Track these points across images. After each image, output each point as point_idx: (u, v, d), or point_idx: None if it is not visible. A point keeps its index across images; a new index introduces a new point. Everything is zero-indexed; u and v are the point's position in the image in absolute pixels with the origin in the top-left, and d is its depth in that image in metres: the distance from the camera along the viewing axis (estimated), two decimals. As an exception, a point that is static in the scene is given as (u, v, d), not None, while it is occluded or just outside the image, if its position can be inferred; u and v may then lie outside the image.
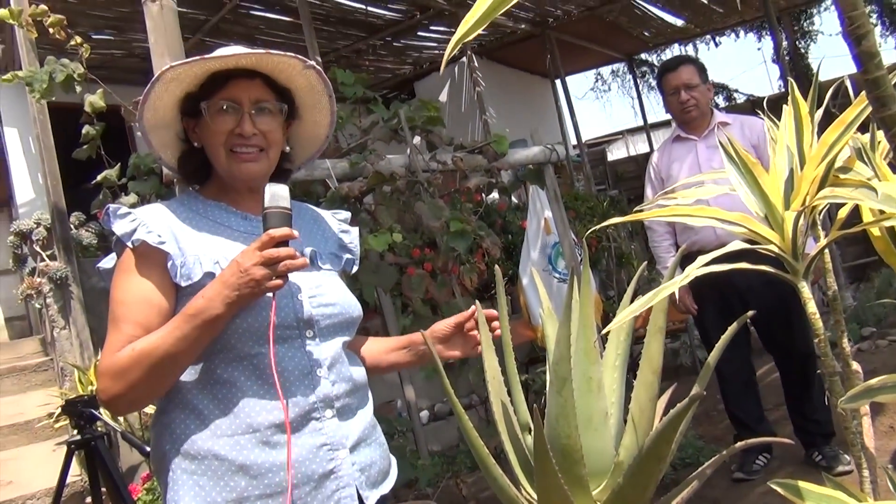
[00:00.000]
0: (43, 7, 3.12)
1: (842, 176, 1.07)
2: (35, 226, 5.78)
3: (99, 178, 3.66)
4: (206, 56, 1.37)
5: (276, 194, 1.29)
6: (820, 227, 1.22)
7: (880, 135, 1.23)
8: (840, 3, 0.48)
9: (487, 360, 1.55)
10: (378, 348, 1.63)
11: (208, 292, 1.24)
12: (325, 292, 1.43)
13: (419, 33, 8.61)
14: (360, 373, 1.48)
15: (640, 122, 11.69)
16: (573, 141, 9.83)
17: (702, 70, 3.53)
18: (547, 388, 1.34)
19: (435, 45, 9.15)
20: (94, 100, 3.33)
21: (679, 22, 9.83)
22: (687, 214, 1.14)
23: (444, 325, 1.57)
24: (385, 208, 2.85)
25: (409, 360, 1.62)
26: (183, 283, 1.31)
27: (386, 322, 4.62)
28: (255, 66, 1.41)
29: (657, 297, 1.12)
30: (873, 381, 0.81)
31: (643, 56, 11.56)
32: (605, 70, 12.20)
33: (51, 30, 3.01)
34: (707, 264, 1.09)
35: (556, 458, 1.33)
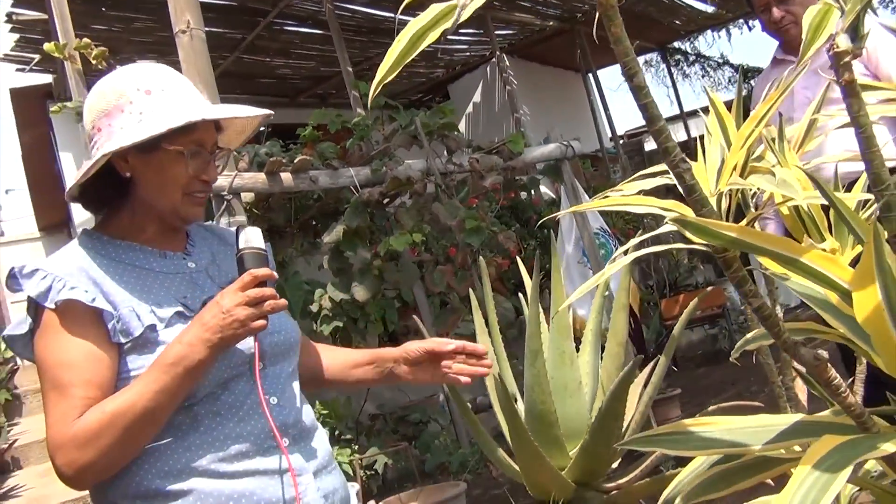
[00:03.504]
0: (86, 40, 3.41)
1: (755, 164, 1.23)
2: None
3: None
4: (239, 114, 1.33)
5: (251, 236, 1.27)
6: (753, 209, 1.37)
7: (790, 130, 1.40)
8: (617, 53, 0.66)
9: (481, 342, 1.74)
10: (342, 361, 1.54)
11: (186, 337, 1.16)
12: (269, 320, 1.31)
13: (449, 37, 8.80)
14: (304, 398, 1.42)
15: (676, 111, 11.69)
16: (608, 133, 9.91)
17: None
18: (525, 362, 1.53)
19: (465, 47, 9.33)
20: (138, 124, 3.58)
21: (709, 8, 9.82)
22: (625, 204, 1.31)
23: (416, 349, 1.47)
24: (406, 211, 3.06)
25: (377, 378, 1.52)
26: (123, 341, 1.20)
27: (422, 318, 4.84)
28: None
29: (606, 274, 1.29)
30: (751, 334, 0.99)
31: (676, 44, 11.55)
32: (639, 60, 12.19)
33: (93, 61, 3.29)
34: (641, 245, 1.26)
35: (534, 422, 1.51)
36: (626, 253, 1.32)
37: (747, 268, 1.16)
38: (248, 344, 1.25)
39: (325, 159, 3.16)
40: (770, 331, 0.71)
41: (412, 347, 1.47)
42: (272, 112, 1.42)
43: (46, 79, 6.72)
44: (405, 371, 1.49)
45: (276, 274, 1.25)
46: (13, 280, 1.23)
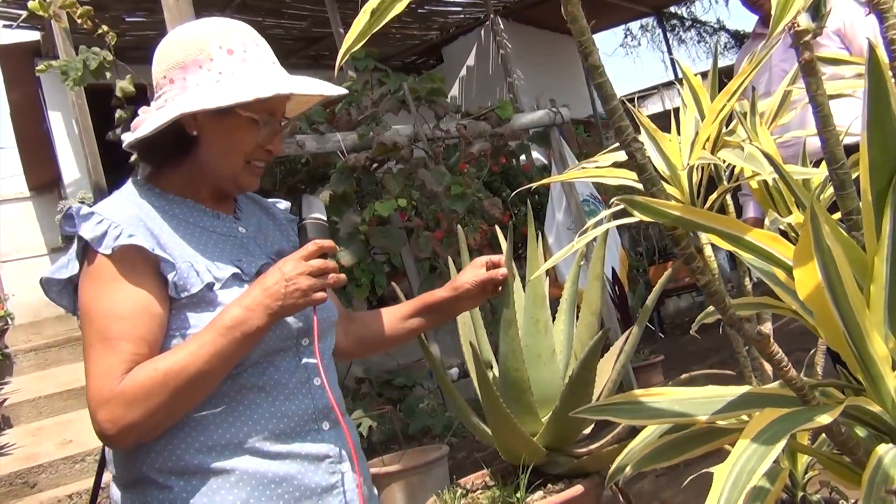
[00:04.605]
0: None
1: (727, 138, 1.25)
2: (80, 205, 6.10)
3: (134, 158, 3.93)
4: (325, 92, 1.27)
5: (314, 205, 1.26)
6: (726, 182, 1.39)
7: (763, 104, 1.41)
8: (573, 32, 0.67)
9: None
10: (392, 318, 1.51)
11: (246, 301, 1.12)
12: None
13: (444, -1, 8.71)
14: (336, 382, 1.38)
15: (672, 77, 11.63)
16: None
17: None
18: (501, 330, 1.55)
19: (459, 9, 9.24)
20: (125, 85, 3.56)
21: (706, -27, 9.72)
22: (599, 175, 1.33)
23: (471, 283, 1.47)
24: (392, 176, 3.06)
25: (431, 324, 1.52)
26: (181, 296, 1.16)
27: (410, 283, 4.87)
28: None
29: (581, 243, 1.31)
30: (733, 301, 1.01)
31: (672, 9, 11.45)
32: (635, 25, 12.10)
33: (79, 20, 3.26)
34: (616, 216, 1.27)
35: (507, 389, 1.54)
36: (599, 224, 1.34)
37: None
38: (295, 317, 1.21)
39: (312, 123, 3.15)
40: (716, 306, 0.74)
41: (467, 281, 1.46)
42: (346, 91, 1.37)
43: (34, 36, 6.64)
44: (468, 305, 1.50)
45: (337, 247, 1.24)
46: (69, 220, 1.17)
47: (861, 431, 0.84)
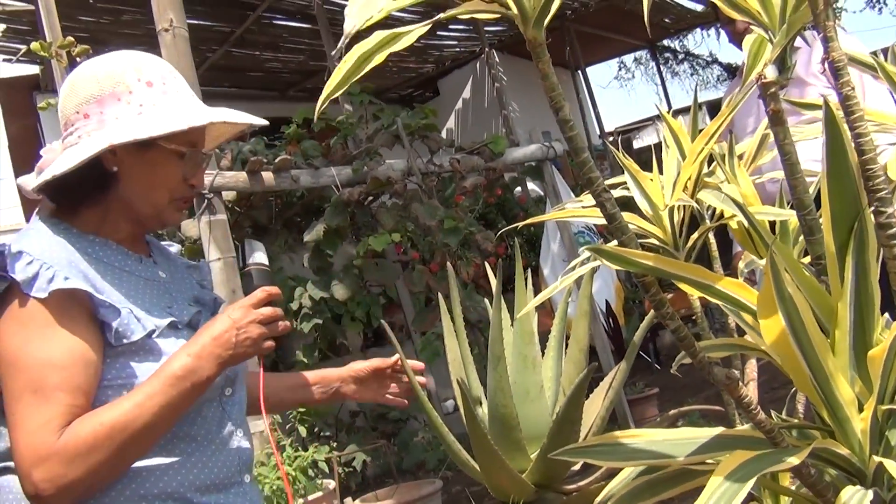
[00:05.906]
0: (70, 38, 3.43)
1: (707, 179, 1.28)
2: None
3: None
4: (253, 121, 1.24)
5: (256, 249, 1.26)
6: (708, 222, 1.42)
7: (742, 146, 1.44)
8: (545, 88, 0.70)
9: (449, 345, 1.78)
10: (278, 385, 1.46)
11: (194, 349, 1.07)
12: None
13: (438, 32, 8.82)
14: None
15: (665, 109, 11.74)
16: (597, 131, 9.97)
17: None
18: (488, 366, 1.57)
19: (455, 43, 9.36)
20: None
21: (699, 7, 9.87)
22: (582, 215, 1.35)
23: (361, 367, 1.47)
24: (386, 211, 3.09)
25: (321, 398, 1.47)
26: (122, 343, 1.10)
27: (405, 316, 4.88)
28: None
29: (567, 281, 1.33)
30: (702, 343, 1.03)
31: (665, 42, 11.61)
32: (629, 58, 12.26)
33: (78, 59, 3.31)
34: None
35: (496, 426, 1.56)
36: (589, 260, 1.37)
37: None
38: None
39: (307, 158, 3.19)
40: (686, 350, 0.76)
41: (358, 366, 1.46)
42: (267, 122, 1.34)
43: (34, 69, 6.72)
44: (352, 390, 1.47)
45: (281, 293, 1.19)
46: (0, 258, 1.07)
47: (834, 472, 0.86)
